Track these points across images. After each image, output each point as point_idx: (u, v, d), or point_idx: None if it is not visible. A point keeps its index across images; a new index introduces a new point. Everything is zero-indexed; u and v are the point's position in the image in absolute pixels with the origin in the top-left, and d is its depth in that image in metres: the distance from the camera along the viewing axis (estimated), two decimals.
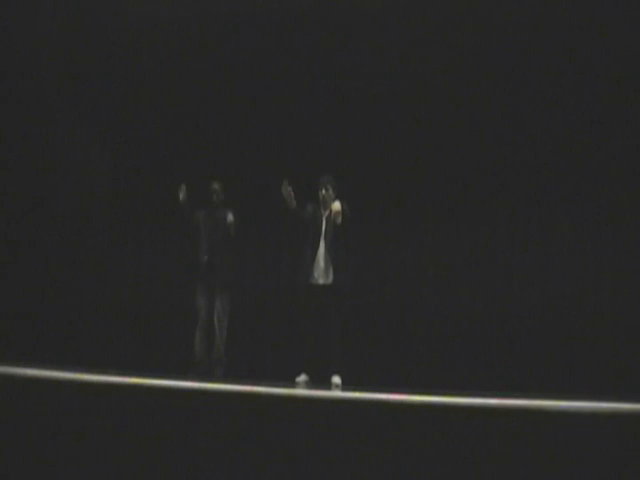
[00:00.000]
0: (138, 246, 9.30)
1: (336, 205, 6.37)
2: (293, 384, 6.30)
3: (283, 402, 5.17)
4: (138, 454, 4.97)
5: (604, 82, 7.96)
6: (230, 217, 7.16)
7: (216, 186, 7.36)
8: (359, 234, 8.03)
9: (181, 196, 7.16)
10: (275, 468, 4.84)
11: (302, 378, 6.47)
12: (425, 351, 8.25)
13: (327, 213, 6.65)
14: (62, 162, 9.32)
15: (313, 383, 6.37)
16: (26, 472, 5.14)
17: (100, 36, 8.97)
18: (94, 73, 9.12)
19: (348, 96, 8.55)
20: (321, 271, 6.52)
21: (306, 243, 6.62)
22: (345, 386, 6.17)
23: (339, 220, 6.40)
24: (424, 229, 8.63)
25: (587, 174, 8.11)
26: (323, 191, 6.66)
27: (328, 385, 6.28)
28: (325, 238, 6.57)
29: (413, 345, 8.36)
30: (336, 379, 6.39)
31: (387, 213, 8.60)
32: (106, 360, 7.18)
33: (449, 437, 4.68)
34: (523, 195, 8.31)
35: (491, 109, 8.26)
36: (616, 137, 8.02)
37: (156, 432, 5.00)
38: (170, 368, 6.48)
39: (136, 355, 8.29)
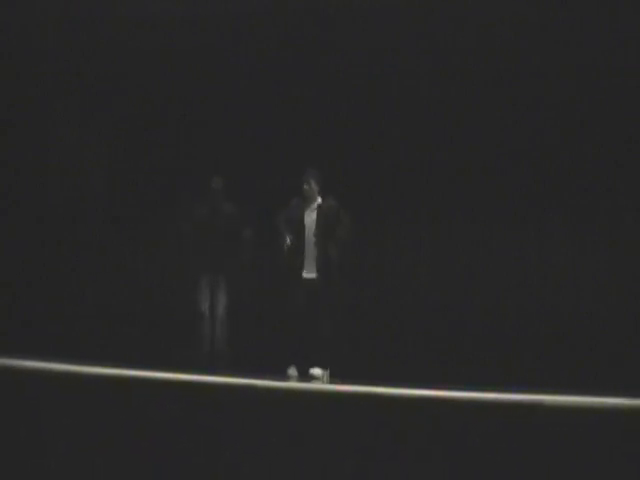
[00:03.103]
0: (136, 243, 9.30)
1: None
2: (283, 376, 6.42)
3: (273, 394, 5.26)
4: (136, 446, 5.05)
5: (603, 81, 7.97)
6: (247, 232, 7.28)
7: (216, 183, 7.38)
8: (358, 233, 8.10)
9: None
10: (266, 460, 4.93)
11: (292, 370, 6.59)
12: (423, 346, 8.24)
13: (310, 207, 6.77)
14: (61, 161, 9.35)
15: (303, 375, 6.49)
16: (24, 466, 5.19)
17: (98, 34, 8.99)
18: (91, 71, 9.15)
19: (347, 95, 8.57)
20: (307, 265, 6.67)
21: (292, 236, 6.74)
22: (342, 379, 6.26)
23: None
24: (422, 228, 8.65)
25: (586, 174, 8.11)
26: (305, 185, 6.79)
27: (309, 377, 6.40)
28: (309, 232, 6.70)
29: (410, 340, 8.37)
30: (316, 371, 6.49)
31: (386, 212, 8.60)
32: (104, 353, 7.24)
33: (444, 431, 4.73)
34: (522, 195, 8.29)
35: (490, 109, 8.28)
36: (614, 137, 8.04)
37: (152, 425, 5.07)
38: (168, 362, 6.55)
39: (134, 349, 8.33)
